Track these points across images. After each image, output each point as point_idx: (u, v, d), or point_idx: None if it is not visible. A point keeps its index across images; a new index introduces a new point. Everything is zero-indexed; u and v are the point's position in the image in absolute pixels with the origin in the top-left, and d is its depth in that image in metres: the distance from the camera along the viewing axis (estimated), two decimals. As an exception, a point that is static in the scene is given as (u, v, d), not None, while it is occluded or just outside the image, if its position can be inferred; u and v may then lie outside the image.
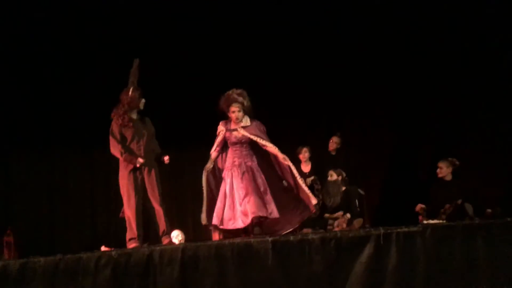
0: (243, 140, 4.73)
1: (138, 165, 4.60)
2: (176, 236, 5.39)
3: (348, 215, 5.41)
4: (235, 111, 4.71)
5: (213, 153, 4.82)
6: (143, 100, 4.81)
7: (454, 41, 6.42)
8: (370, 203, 6.31)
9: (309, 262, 3.37)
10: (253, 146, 4.83)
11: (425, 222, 4.08)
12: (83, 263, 3.03)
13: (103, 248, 4.44)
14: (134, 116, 4.79)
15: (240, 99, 4.69)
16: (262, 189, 4.61)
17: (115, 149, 4.65)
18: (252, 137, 4.69)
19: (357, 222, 5.21)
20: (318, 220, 5.57)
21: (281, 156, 4.70)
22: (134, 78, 4.82)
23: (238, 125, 4.74)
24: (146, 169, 4.65)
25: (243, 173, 4.65)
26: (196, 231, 6.46)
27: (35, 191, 6.14)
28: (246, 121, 4.76)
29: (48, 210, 6.19)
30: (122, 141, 4.64)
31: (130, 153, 4.62)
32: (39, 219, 6.09)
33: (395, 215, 5.20)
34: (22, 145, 6.03)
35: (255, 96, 6.42)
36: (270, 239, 3.39)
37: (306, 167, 5.97)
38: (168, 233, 4.70)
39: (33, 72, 6.01)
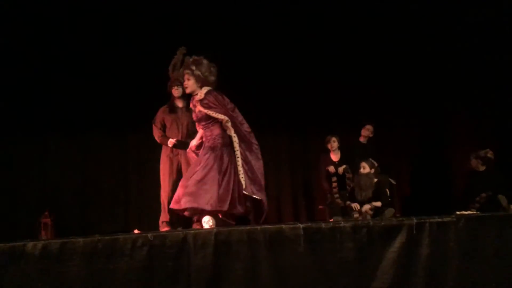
0: (202, 117, 4.12)
1: (170, 145, 4.79)
2: (207, 221, 5.46)
3: (379, 203, 5.38)
4: (184, 79, 4.17)
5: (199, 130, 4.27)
6: (176, 88, 4.92)
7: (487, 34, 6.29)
8: (401, 193, 6.27)
9: (340, 250, 3.39)
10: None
11: (457, 213, 4.03)
12: (120, 244, 3.09)
13: (136, 232, 4.57)
14: (180, 104, 4.98)
15: (192, 67, 4.09)
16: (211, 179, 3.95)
17: (155, 134, 4.98)
18: (204, 110, 4.05)
19: (388, 212, 5.18)
20: (346, 209, 5.58)
21: (227, 127, 4.09)
22: (174, 67, 4.94)
23: (195, 99, 4.16)
24: (183, 153, 4.78)
25: (202, 155, 4.08)
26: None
27: (70, 174, 6.29)
28: (201, 94, 4.14)
29: (83, 192, 6.33)
30: (162, 127, 4.92)
31: (165, 137, 4.84)
32: (74, 201, 6.25)
33: (426, 205, 5.16)
34: (58, 129, 6.16)
35: (285, 85, 6.46)
36: (301, 225, 3.41)
37: (335, 156, 5.97)
38: (198, 219, 4.80)
39: (67, 57, 6.11)
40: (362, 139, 6.25)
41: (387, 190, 5.60)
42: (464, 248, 3.50)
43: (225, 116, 4.06)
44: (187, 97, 5.01)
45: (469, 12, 6.24)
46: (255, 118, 6.45)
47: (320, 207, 6.15)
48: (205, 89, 4.13)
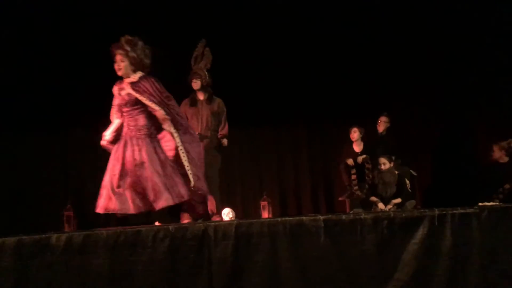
0: (129, 102, 3.81)
1: None
2: (227, 214, 5.52)
3: (399, 200, 5.33)
4: (117, 60, 3.80)
5: (117, 119, 3.91)
6: (194, 81, 4.96)
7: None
8: (422, 184, 6.21)
9: (361, 241, 3.37)
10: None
11: (480, 204, 3.98)
12: (142, 236, 3.13)
13: (156, 224, 4.62)
14: (201, 97, 5.00)
15: (127, 47, 3.78)
16: (162, 167, 3.72)
17: None
18: (136, 95, 3.76)
19: (409, 204, 5.14)
20: (366, 201, 5.55)
21: (165, 121, 3.82)
22: (195, 60, 4.97)
23: (126, 81, 3.84)
24: (204, 147, 4.81)
25: (130, 149, 3.74)
26: (245, 209, 6.60)
27: (92, 168, 6.37)
28: (135, 77, 3.83)
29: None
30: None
31: None
32: (96, 195, 6.32)
33: (448, 196, 5.11)
34: (81, 123, 6.24)
35: (305, 75, 6.43)
36: (322, 217, 3.41)
37: (357, 147, 5.95)
38: (218, 212, 4.83)
39: (88, 48, 6.13)
40: (380, 130, 6.20)
41: (408, 182, 5.55)
42: (487, 240, 3.44)
43: (162, 109, 3.78)
44: (206, 90, 5.04)
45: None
46: (274, 109, 6.53)
47: (340, 198, 6.13)
48: (139, 73, 3.84)
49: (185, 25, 6.03)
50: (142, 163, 3.71)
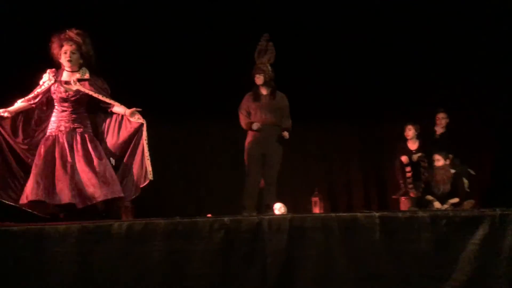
0: (75, 98, 3.75)
1: (255, 128, 4.89)
2: (279, 209, 5.53)
3: (456, 200, 5.18)
4: (67, 51, 3.71)
5: (23, 103, 3.75)
6: (257, 76, 5.00)
7: None
8: (481, 184, 6.00)
9: (418, 240, 3.31)
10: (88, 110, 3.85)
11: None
12: (198, 227, 3.19)
13: (208, 216, 4.70)
14: (264, 91, 5.06)
15: (78, 38, 3.72)
16: (96, 167, 3.70)
17: (241, 121, 5.10)
18: (90, 93, 3.73)
19: (468, 204, 4.99)
20: (420, 200, 5.43)
21: (129, 111, 3.81)
22: (259, 54, 5.02)
23: (72, 76, 3.78)
24: (266, 142, 4.87)
25: (69, 145, 3.70)
26: (295, 205, 6.60)
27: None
28: (84, 73, 3.80)
29: (159, 177, 6.57)
30: (248, 114, 5.02)
31: (250, 122, 4.93)
32: (150, 186, 6.50)
33: (508, 197, 4.91)
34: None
35: (358, 70, 6.35)
36: (377, 214, 3.37)
37: (413, 145, 5.82)
38: (271, 207, 4.86)
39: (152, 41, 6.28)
40: (438, 128, 6.03)
41: (466, 181, 5.38)
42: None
43: (125, 109, 3.81)
44: (269, 84, 5.04)
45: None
46: (327, 105, 6.49)
47: (394, 197, 6.03)
48: (86, 70, 3.83)
49: (249, 19, 6.06)
50: (83, 158, 3.70)
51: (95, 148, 3.77)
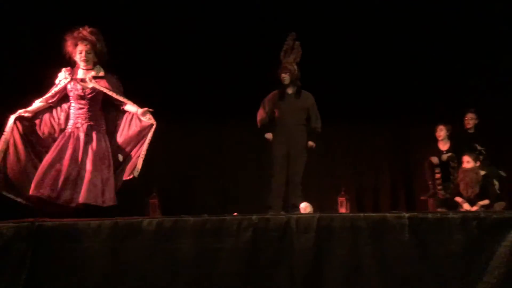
0: (91, 95, 3.82)
1: (267, 137, 4.90)
2: (305, 208, 5.52)
3: (486, 201, 5.08)
4: (82, 51, 3.79)
5: (41, 102, 3.82)
6: (283, 76, 5.00)
7: None
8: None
9: (448, 241, 3.25)
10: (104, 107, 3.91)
11: None
12: (226, 225, 3.22)
13: (235, 215, 4.72)
14: (290, 91, 5.08)
15: (92, 37, 3.79)
16: (106, 166, 3.81)
17: (258, 114, 5.10)
18: (105, 90, 3.80)
19: (499, 205, 4.90)
20: (450, 202, 5.36)
21: (141, 111, 3.88)
22: (285, 53, 5.03)
23: (88, 74, 3.84)
24: (290, 141, 4.87)
25: (86, 142, 3.76)
26: (321, 205, 6.57)
27: (173, 158, 6.62)
28: (99, 70, 3.88)
29: (185, 175, 6.66)
30: (271, 113, 4.99)
31: (267, 126, 4.89)
32: (177, 184, 6.59)
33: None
34: (163, 114, 6.48)
35: (385, 69, 6.28)
36: (407, 215, 3.33)
37: (444, 146, 5.75)
38: (297, 207, 4.86)
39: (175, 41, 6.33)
40: (467, 128, 5.94)
41: (496, 183, 5.28)
42: None
43: (137, 108, 3.86)
44: (295, 84, 5.04)
45: None
46: (356, 105, 6.44)
47: (422, 198, 5.95)
48: (100, 68, 3.89)
49: (276, 18, 6.07)
50: (97, 156, 3.78)
51: (107, 150, 3.84)
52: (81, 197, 3.70)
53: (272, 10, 6.14)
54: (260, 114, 5.09)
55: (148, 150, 6.42)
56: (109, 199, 3.80)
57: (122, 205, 5.93)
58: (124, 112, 3.99)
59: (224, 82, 6.29)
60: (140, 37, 6.05)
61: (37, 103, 3.82)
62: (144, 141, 3.90)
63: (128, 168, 3.91)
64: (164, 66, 6.27)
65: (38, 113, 3.82)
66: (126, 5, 5.90)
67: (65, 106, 3.90)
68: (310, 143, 5.00)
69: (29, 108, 3.79)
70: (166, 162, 6.56)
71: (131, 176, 3.92)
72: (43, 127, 3.84)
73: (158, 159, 6.59)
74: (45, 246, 3.06)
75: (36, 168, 3.75)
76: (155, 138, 6.49)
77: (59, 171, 3.72)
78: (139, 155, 3.90)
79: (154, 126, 3.91)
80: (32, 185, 3.68)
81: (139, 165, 3.88)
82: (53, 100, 3.85)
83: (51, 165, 3.72)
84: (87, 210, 3.76)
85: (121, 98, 3.85)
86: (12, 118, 3.69)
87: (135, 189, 6.17)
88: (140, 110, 3.89)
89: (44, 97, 3.83)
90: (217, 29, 6.20)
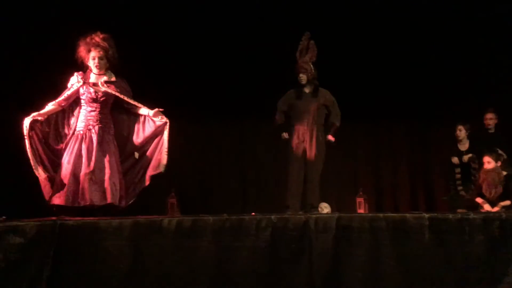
0: (103, 99, 3.91)
1: (283, 137, 4.92)
2: (323, 209, 5.51)
3: (508, 202, 5.01)
4: (96, 57, 3.89)
5: (53, 105, 3.88)
6: (301, 75, 5.00)
7: None
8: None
9: (470, 242, 3.24)
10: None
11: None
12: (246, 224, 3.24)
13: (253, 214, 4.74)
14: (307, 90, 5.09)
15: (105, 44, 3.88)
16: (118, 166, 3.89)
17: (277, 115, 5.09)
18: (118, 95, 3.90)
19: (521, 206, 4.82)
20: (470, 202, 5.29)
21: (153, 112, 3.96)
22: (300, 53, 5.03)
23: (100, 78, 3.93)
24: (308, 141, 4.87)
25: (98, 143, 3.84)
26: (339, 205, 6.55)
27: (192, 158, 6.67)
28: (111, 76, 3.97)
29: (204, 176, 6.69)
30: (290, 112, 5.03)
31: (283, 124, 4.91)
32: (196, 184, 6.63)
33: None
34: (183, 116, 6.53)
35: (403, 68, 6.22)
36: (427, 215, 3.31)
37: (463, 146, 5.67)
38: (317, 204, 4.85)
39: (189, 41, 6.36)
40: (487, 128, 5.86)
41: (519, 182, 5.20)
42: None
43: (148, 110, 3.96)
44: (312, 83, 5.04)
45: None
46: (375, 105, 6.41)
47: (443, 198, 5.89)
48: (112, 74, 3.98)
49: (290, 18, 6.07)
50: (111, 157, 3.86)
51: (116, 151, 3.93)
52: (108, 198, 3.80)
53: (287, 10, 6.15)
54: (277, 115, 5.12)
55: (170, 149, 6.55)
56: (126, 199, 3.94)
57: (141, 205, 6.06)
58: (137, 115, 4.08)
59: (242, 83, 6.31)
60: (159, 39, 6.11)
61: (50, 106, 3.89)
62: (161, 137, 4.00)
63: (153, 165, 4.02)
64: (185, 67, 6.31)
65: (50, 116, 3.90)
66: (144, 5, 5.96)
67: (74, 109, 3.99)
68: (330, 137, 4.98)
69: (42, 111, 3.86)
70: (185, 163, 6.60)
71: (158, 171, 4.03)
72: (54, 129, 3.93)
73: (177, 159, 6.64)
74: (67, 244, 3.11)
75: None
76: (175, 138, 6.60)
77: (77, 175, 3.80)
78: (162, 151, 3.99)
79: (168, 124, 4.02)
80: (53, 193, 3.79)
81: (165, 160, 3.99)
82: (66, 103, 3.94)
83: (70, 171, 3.81)
84: (105, 210, 3.83)
85: (133, 102, 3.96)
86: (27, 122, 3.74)
87: (153, 189, 6.31)
88: (151, 112, 3.99)
89: (56, 100, 3.90)
90: (230, 31, 6.23)
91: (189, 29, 6.25)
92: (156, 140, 4.04)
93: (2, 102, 5.32)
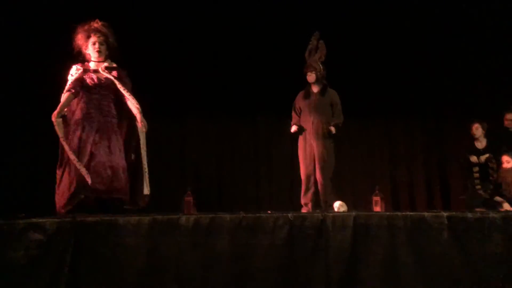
0: (105, 85, 3.76)
1: (291, 131, 4.96)
2: (338, 207, 5.49)
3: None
4: (96, 42, 3.76)
5: (66, 94, 3.70)
6: (309, 74, 5.02)
7: None
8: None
9: (489, 241, 3.19)
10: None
11: None
12: (262, 222, 3.24)
13: (269, 212, 4.74)
14: (316, 89, 5.11)
15: (105, 30, 3.78)
16: (117, 155, 3.70)
17: (292, 119, 5.15)
18: (116, 82, 3.74)
19: (540, 205, 4.75)
20: (489, 202, 5.24)
21: (140, 117, 3.76)
22: (310, 52, 5.04)
23: (100, 65, 3.81)
24: (315, 139, 4.89)
25: (97, 131, 3.66)
26: (356, 204, 6.53)
27: (206, 157, 6.69)
28: (111, 63, 3.86)
29: (219, 174, 6.71)
30: (299, 112, 5.11)
31: (297, 122, 5.00)
32: (211, 182, 6.65)
33: None
34: (197, 115, 6.56)
35: (419, 64, 6.17)
36: (445, 214, 3.28)
37: (480, 144, 5.61)
38: (330, 202, 4.84)
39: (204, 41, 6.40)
40: (507, 127, 5.79)
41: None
42: None
43: (138, 107, 3.74)
44: (321, 82, 5.05)
45: None
46: (389, 102, 6.37)
47: (461, 197, 5.84)
48: (112, 62, 3.85)
49: (300, 18, 6.07)
50: (116, 146, 3.73)
51: (118, 140, 3.78)
52: (113, 186, 3.70)
53: (297, 10, 6.15)
54: (293, 119, 5.17)
55: (181, 150, 6.62)
56: (126, 191, 3.79)
57: (157, 204, 6.11)
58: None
59: (255, 83, 6.32)
60: (167, 38, 6.15)
61: (65, 96, 3.73)
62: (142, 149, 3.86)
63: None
64: (196, 67, 6.35)
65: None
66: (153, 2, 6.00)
67: (77, 98, 3.82)
68: (331, 128, 4.97)
69: (63, 104, 3.72)
70: (200, 162, 6.63)
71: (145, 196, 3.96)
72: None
73: (192, 159, 6.69)
74: (86, 241, 3.14)
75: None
76: (189, 137, 6.66)
77: (86, 168, 3.66)
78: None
79: (143, 132, 3.85)
80: (66, 196, 3.69)
81: (146, 181, 3.87)
82: (76, 89, 3.74)
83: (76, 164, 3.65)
84: (113, 202, 3.77)
85: (125, 92, 3.76)
86: (57, 120, 3.66)
87: (169, 188, 6.36)
88: (138, 116, 3.82)
89: (66, 89, 3.74)
90: (244, 29, 6.24)
91: (203, 26, 6.28)
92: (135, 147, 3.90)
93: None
